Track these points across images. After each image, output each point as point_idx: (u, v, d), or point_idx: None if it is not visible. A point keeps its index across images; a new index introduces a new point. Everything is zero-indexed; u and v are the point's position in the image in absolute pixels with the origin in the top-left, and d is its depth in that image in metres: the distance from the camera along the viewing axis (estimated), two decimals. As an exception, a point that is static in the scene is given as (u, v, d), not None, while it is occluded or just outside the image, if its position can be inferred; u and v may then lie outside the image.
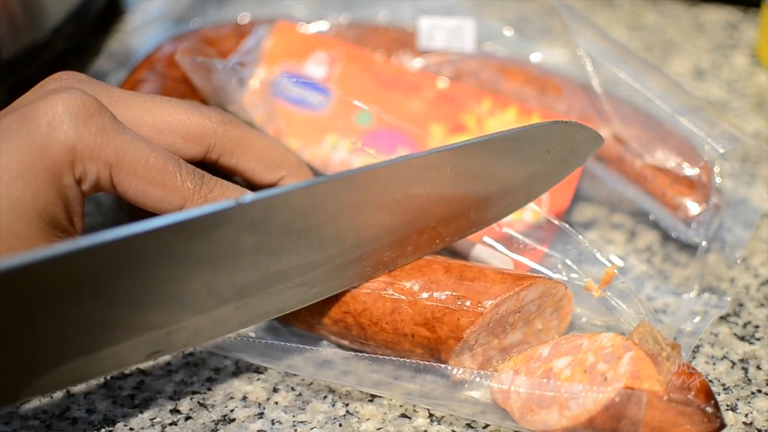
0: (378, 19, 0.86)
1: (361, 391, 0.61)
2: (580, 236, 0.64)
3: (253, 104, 0.73)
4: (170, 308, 0.53)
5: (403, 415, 0.60)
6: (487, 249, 0.66)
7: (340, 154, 0.73)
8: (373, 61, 0.77)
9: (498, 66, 0.78)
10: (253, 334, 0.63)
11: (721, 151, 0.68)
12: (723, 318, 0.67)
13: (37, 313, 0.49)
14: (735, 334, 0.65)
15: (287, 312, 0.58)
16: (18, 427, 0.59)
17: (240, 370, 0.63)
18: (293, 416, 0.60)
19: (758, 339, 0.65)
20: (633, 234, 0.74)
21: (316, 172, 0.70)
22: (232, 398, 0.61)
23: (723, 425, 0.54)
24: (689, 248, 0.71)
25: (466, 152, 0.59)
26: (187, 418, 0.60)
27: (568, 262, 0.65)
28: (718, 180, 0.70)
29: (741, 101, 0.86)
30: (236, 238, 0.53)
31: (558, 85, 0.76)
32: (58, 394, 0.61)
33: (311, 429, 0.60)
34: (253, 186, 0.64)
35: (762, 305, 0.68)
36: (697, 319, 0.65)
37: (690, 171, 0.70)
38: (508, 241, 0.66)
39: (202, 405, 0.61)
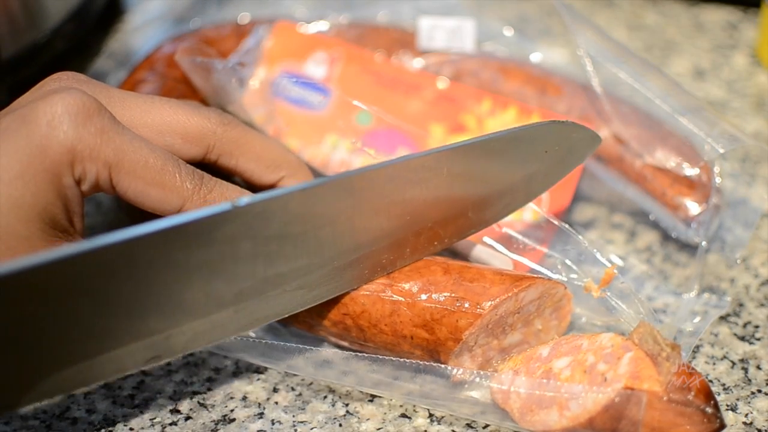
0: (378, 19, 0.86)
1: (361, 391, 0.61)
2: (579, 236, 0.64)
3: (253, 104, 0.73)
4: (168, 313, 0.53)
5: (403, 415, 0.60)
6: (487, 249, 0.66)
7: (339, 154, 0.73)
8: (373, 61, 0.77)
9: (498, 66, 0.78)
10: (253, 335, 0.63)
11: (721, 151, 0.68)
12: (723, 318, 0.66)
13: (34, 319, 0.49)
14: (735, 334, 0.65)
15: (286, 315, 0.58)
16: (18, 427, 0.59)
17: (240, 370, 0.63)
18: (293, 416, 0.60)
19: (758, 339, 0.65)
20: (633, 234, 0.74)
21: (316, 173, 0.70)
22: (232, 398, 0.62)
23: (723, 425, 0.54)
24: (689, 248, 0.71)
25: (462, 153, 0.59)
26: (187, 418, 0.60)
27: (568, 262, 0.65)
28: (718, 180, 0.70)
29: (741, 101, 0.86)
30: (233, 242, 0.53)
31: (558, 85, 0.76)
32: (58, 395, 0.61)
33: (311, 429, 0.60)
34: (252, 186, 0.64)
35: (762, 305, 0.68)
36: (697, 319, 0.65)
37: (690, 171, 0.70)
38: (507, 242, 0.66)
39: (202, 405, 0.61)
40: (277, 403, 0.61)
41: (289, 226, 0.54)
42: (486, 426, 0.59)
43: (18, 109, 0.55)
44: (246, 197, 0.53)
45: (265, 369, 0.63)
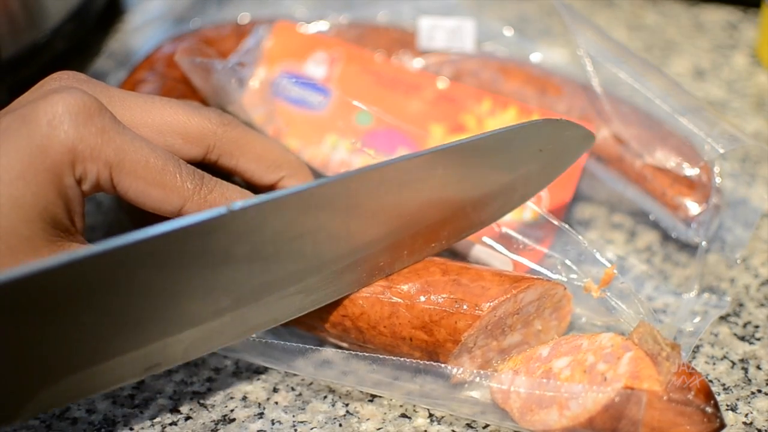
0: (378, 19, 0.86)
1: (361, 391, 0.61)
2: (579, 236, 0.64)
3: (253, 104, 0.73)
4: (166, 320, 0.52)
5: (403, 415, 0.60)
6: (486, 249, 0.66)
7: (339, 154, 0.73)
8: (373, 61, 0.77)
9: (498, 66, 0.78)
10: (253, 335, 0.63)
11: (721, 151, 0.68)
12: (723, 318, 0.67)
13: (30, 329, 0.48)
14: (735, 334, 0.66)
15: (285, 321, 0.58)
16: (18, 427, 0.59)
17: (240, 370, 0.63)
18: (293, 416, 0.60)
19: (758, 339, 0.65)
20: (633, 234, 0.74)
21: (315, 173, 0.70)
22: (232, 398, 0.62)
23: (723, 425, 0.54)
24: (689, 248, 0.71)
25: (456, 153, 0.59)
26: (187, 418, 0.60)
27: (568, 262, 0.65)
28: (718, 180, 0.70)
29: (741, 101, 0.86)
30: (229, 246, 0.52)
31: (558, 85, 0.76)
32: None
33: (311, 429, 0.60)
34: (253, 187, 0.64)
35: (762, 305, 0.68)
36: (697, 319, 0.65)
37: (690, 171, 0.70)
38: (507, 242, 0.66)
39: (202, 405, 0.61)
40: (277, 403, 0.61)
41: (285, 229, 0.54)
42: (486, 426, 0.59)
43: (18, 109, 0.55)
44: (240, 201, 0.53)
45: (265, 369, 0.63)
